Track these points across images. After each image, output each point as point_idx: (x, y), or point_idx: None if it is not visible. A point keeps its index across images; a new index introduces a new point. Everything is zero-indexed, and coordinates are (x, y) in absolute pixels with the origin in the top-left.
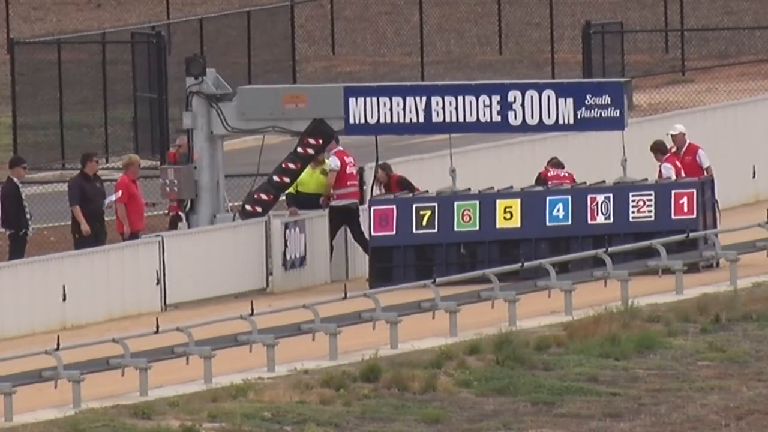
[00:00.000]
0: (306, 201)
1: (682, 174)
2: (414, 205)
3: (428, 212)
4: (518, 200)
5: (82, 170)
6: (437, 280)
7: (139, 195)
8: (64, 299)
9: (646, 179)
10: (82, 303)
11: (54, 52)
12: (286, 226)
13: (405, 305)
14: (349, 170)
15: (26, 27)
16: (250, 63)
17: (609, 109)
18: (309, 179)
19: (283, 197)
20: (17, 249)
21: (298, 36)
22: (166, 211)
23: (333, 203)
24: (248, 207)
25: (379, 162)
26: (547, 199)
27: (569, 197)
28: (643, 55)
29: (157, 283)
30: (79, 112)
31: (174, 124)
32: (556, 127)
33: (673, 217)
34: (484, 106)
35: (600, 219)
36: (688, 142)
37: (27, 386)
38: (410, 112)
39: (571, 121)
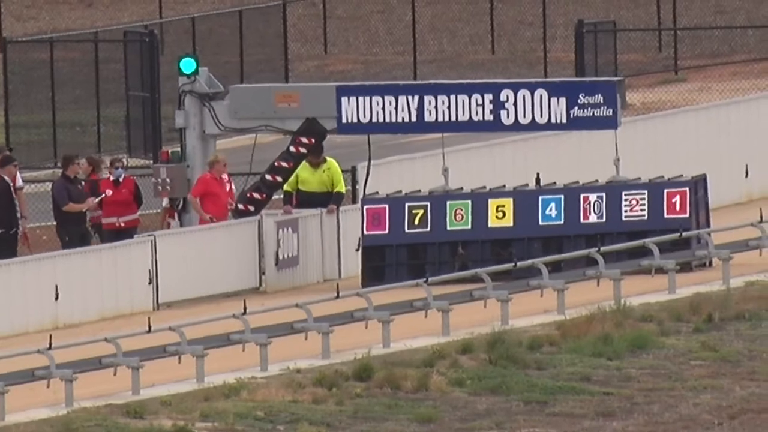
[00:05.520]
0: (308, 200)
1: None
2: (406, 204)
3: (420, 211)
4: (510, 199)
5: (64, 172)
6: (430, 279)
7: (224, 195)
8: (57, 298)
9: (639, 178)
10: (75, 302)
11: (47, 51)
12: (279, 225)
13: (397, 304)
14: None
15: (19, 26)
16: (242, 62)
17: (602, 108)
18: (311, 178)
19: (280, 195)
20: (9, 248)
21: (291, 35)
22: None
23: None
24: (241, 206)
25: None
26: (540, 198)
27: (562, 196)
28: (636, 54)
29: (150, 283)
30: (72, 111)
31: (166, 123)
32: (549, 126)
33: (665, 216)
34: (477, 105)
35: (593, 218)
36: None
37: (19, 385)
38: (403, 111)
39: (564, 120)
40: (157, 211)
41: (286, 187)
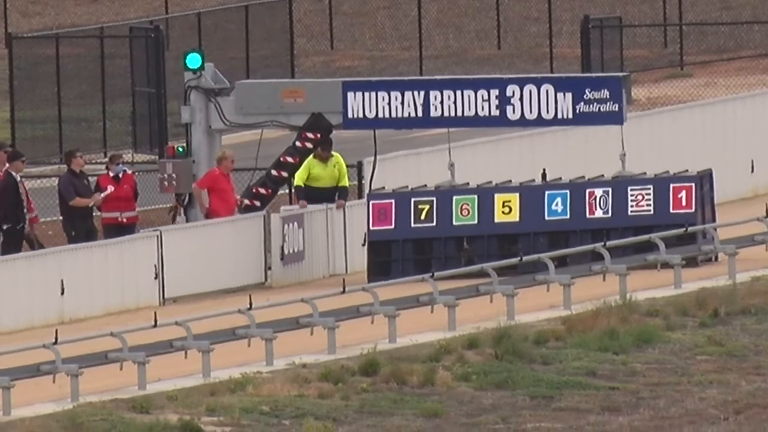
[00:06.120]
0: (320, 195)
1: None
2: (412, 199)
3: (427, 206)
4: (517, 194)
5: (69, 168)
6: (435, 274)
7: (231, 191)
8: (63, 293)
9: (645, 173)
10: (81, 297)
11: (52, 46)
12: (285, 220)
13: (403, 299)
14: None
15: (24, 21)
16: (248, 57)
17: (607, 103)
18: (323, 173)
19: (285, 191)
20: (14, 243)
21: (297, 30)
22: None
23: None
24: (247, 201)
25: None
26: (546, 193)
27: (568, 191)
28: (641, 50)
29: (156, 277)
30: (78, 106)
31: (172, 119)
32: (555, 121)
33: (671, 211)
34: (483, 100)
35: (598, 213)
36: None
37: (25, 380)
38: (409, 106)
39: (570, 116)
40: (163, 206)
41: (297, 181)
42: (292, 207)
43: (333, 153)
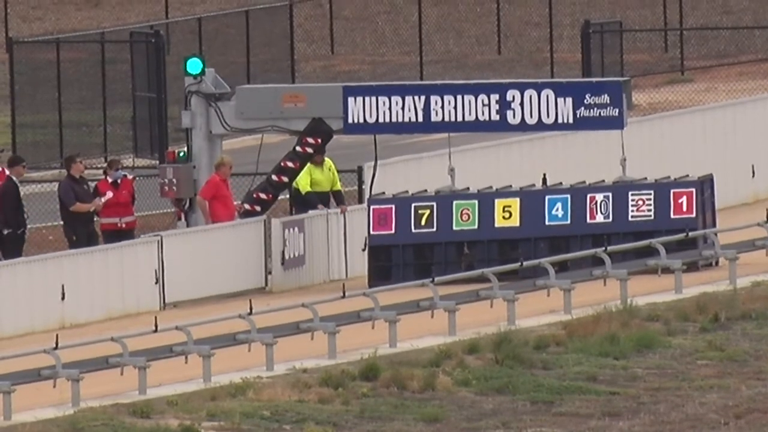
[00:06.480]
0: (321, 200)
1: None
2: (413, 204)
3: (427, 211)
4: (517, 199)
5: (69, 173)
6: (436, 279)
7: (230, 196)
8: (63, 298)
9: (646, 178)
10: (81, 302)
11: (53, 51)
12: (285, 225)
13: (404, 304)
14: None
15: (25, 26)
16: (248, 62)
17: (608, 108)
18: (322, 177)
19: (284, 196)
20: (15, 248)
21: (297, 35)
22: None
23: None
24: (247, 206)
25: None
26: (546, 198)
27: (568, 196)
28: (642, 55)
29: (156, 282)
30: (78, 111)
31: (173, 124)
32: (555, 126)
33: (672, 216)
34: (483, 105)
35: (599, 218)
36: None
37: (26, 385)
38: (409, 111)
39: (570, 121)
40: (163, 211)
41: (305, 188)
42: (316, 211)
43: (324, 157)
